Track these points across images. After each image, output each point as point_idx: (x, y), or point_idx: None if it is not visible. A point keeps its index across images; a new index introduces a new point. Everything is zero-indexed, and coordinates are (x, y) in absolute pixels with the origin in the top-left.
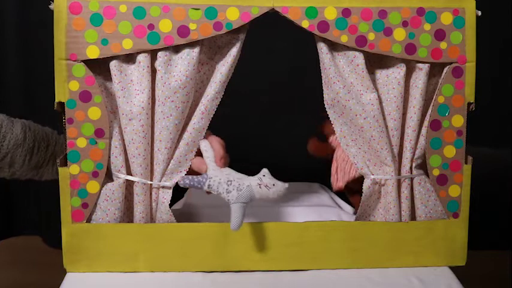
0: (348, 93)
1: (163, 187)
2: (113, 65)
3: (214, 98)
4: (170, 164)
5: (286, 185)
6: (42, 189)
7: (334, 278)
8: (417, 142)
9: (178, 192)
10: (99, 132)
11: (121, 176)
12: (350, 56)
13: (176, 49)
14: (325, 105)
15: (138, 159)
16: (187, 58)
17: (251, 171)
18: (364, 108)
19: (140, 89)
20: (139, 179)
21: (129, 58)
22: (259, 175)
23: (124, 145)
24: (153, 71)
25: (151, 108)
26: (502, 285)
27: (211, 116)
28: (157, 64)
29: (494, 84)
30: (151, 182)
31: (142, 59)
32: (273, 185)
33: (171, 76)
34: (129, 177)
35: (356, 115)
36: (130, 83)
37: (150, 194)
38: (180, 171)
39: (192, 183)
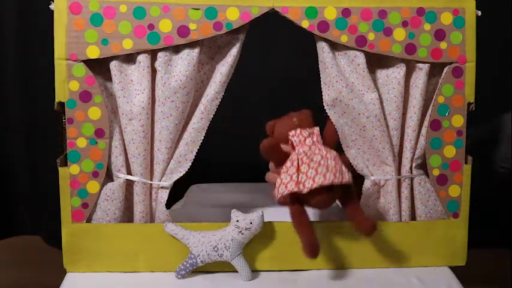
0: (351, 92)
1: (162, 187)
2: (113, 65)
3: (214, 98)
4: (170, 164)
5: (261, 212)
6: (43, 188)
7: (334, 278)
8: (417, 142)
9: (178, 192)
10: (99, 132)
11: (121, 176)
12: (351, 56)
13: (176, 49)
14: (325, 106)
15: (138, 159)
16: (187, 58)
17: (253, 167)
18: (367, 108)
19: (140, 89)
20: (139, 178)
21: (129, 58)
22: (233, 222)
23: (124, 145)
24: (153, 71)
25: (151, 108)
26: (502, 285)
27: (211, 116)
28: (157, 64)
29: (494, 84)
30: (151, 182)
31: (143, 59)
32: (250, 223)
33: (171, 76)
34: (129, 177)
35: (359, 114)
36: (130, 83)
37: (150, 193)
38: (180, 171)
39: (188, 270)
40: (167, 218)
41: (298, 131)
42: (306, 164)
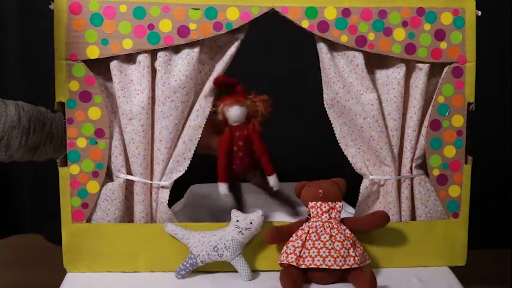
0: (348, 93)
1: (162, 187)
2: (113, 65)
3: (207, 95)
4: (169, 163)
5: (261, 212)
6: (43, 188)
7: None
8: (417, 142)
9: (178, 192)
10: (99, 132)
11: (121, 176)
12: (350, 56)
13: (176, 49)
14: (325, 105)
15: (138, 159)
16: (187, 58)
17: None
18: (364, 109)
19: (140, 88)
20: (139, 178)
21: (129, 58)
22: (233, 222)
23: (124, 145)
24: (153, 71)
25: (151, 108)
26: (502, 285)
27: (207, 113)
28: (157, 64)
29: (494, 84)
30: (151, 182)
31: (143, 59)
32: (250, 223)
33: (171, 76)
34: (130, 177)
35: (356, 115)
36: (130, 83)
37: (151, 193)
38: (179, 170)
39: (188, 270)
40: (170, 217)
41: (319, 203)
42: (312, 241)
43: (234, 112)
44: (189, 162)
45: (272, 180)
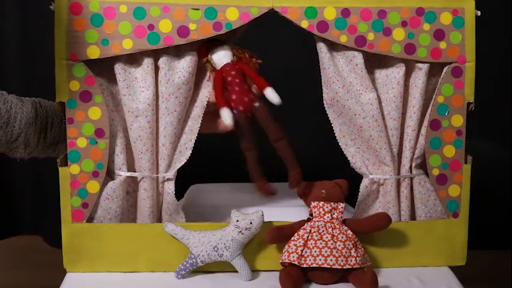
0: (347, 92)
1: (168, 179)
2: (117, 63)
3: (206, 86)
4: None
5: (261, 212)
6: (43, 188)
7: None
8: (417, 142)
9: (178, 192)
10: (99, 132)
11: (122, 174)
12: (349, 56)
13: (178, 48)
14: (325, 105)
15: (146, 155)
16: (190, 55)
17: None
18: (363, 108)
19: (145, 86)
20: (141, 174)
21: (132, 57)
22: (233, 222)
23: (125, 143)
24: (156, 68)
25: (155, 104)
26: (502, 285)
27: (205, 103)
28: (160, 62)
29: (494, 84)
30: (157, 175)
31: (146, 57)
32: (250, 223)
33: (175, 73)
34: (133, 174)
35: (355, 115)
36: (134, 81)
37: (157, 188)
38: (182, 160)
39: (188, 270)
40: (176, 208)
41: (321, 203)
42: (314, 240)
43: (218, 52)
44: (190, 151)
45: (269, 92)
